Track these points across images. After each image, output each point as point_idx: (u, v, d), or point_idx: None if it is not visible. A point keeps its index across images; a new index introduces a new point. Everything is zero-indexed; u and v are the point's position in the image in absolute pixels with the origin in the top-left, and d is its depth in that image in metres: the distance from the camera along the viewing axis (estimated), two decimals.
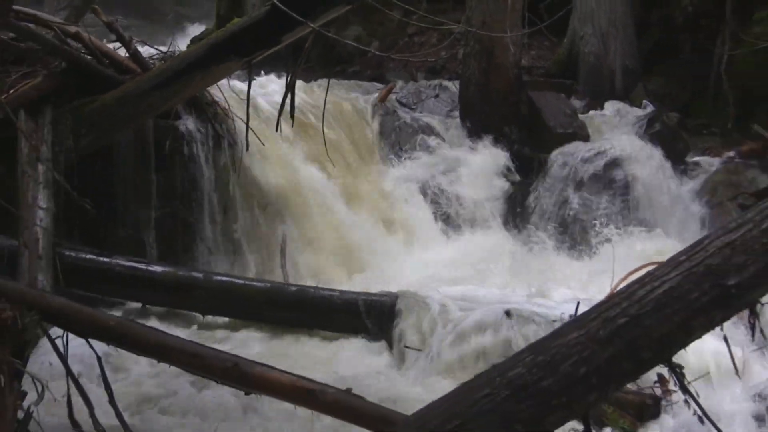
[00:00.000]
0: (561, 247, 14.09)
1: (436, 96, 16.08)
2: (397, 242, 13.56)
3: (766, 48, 15.27)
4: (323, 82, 14.28)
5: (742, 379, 9.73)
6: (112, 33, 11.81)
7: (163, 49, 13.23)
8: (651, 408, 9.33)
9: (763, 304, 4.98)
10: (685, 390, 5.11)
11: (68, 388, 7.56)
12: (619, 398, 8.97)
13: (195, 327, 10.79)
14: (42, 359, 7.43)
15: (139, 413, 8.74)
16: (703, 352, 9.00)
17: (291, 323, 10.90)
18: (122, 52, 11.54)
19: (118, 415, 7.61)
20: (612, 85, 16.63)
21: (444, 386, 8.61)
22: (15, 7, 9.91)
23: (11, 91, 10.47)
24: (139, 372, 9.14)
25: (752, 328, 10.17)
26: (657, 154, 14.80)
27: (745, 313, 5.10)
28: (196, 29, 22.68)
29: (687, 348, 4.79)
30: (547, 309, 10.44)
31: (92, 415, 7.56)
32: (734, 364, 9.66)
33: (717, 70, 16.23)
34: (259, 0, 14.43)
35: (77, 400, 7.41)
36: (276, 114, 10.80)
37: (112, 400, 7.72)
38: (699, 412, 5.37)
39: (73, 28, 11.38)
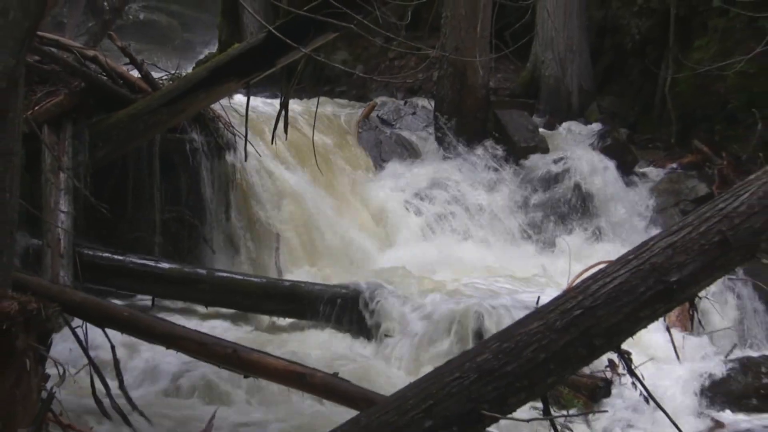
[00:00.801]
0: (527, 245, 14.11)
1: (414, 113, 16.09)
2: (381, 241, 13.56)
3: (705, 72, 15.32)
4: (313, 100, 14.26)
5: (681, 362, 9.77)
6: (126, 56, 11.82)
7: (171, 70, 13.24)
8: (602, 390, 9.36)
9: (701, 298, 4.98)
10: (632, 373, 5.11)
11: (91, 372, 7.57)
12: (574, 381, 8.98)
13: (198, 317, 10.77)
14: (62, 346, 7.40)
15: (150, 395, 8.74)
16: (649, 340, 9.02)
17: (285, 314, 10.91)
18: (135, 74, 11.52)
19: (128, 398, 7.67)
20: (569, 104, 16.66)
21: (419, 370, 8.62)
22: (39, 33, 9.90)
23: (36, 108, 10.47)
24: (152, 357, 9.10)
25: (691, 318, 10.22)
26: (609, 165, 14.85)
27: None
28: (200, 53, 22.65)
29: (634, 336, 4.79)
30: (513, 301, 10.47)
31: (109, 395, 7.58)
32: (675, 349, 9.73)
33: (661, 91, 16.27)
34: (256, 27, 14.41)
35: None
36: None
37: (122, 386, 7.74)
38: (644, 393, 5.37)
39: (91, 52, 11.39)
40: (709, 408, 9.33)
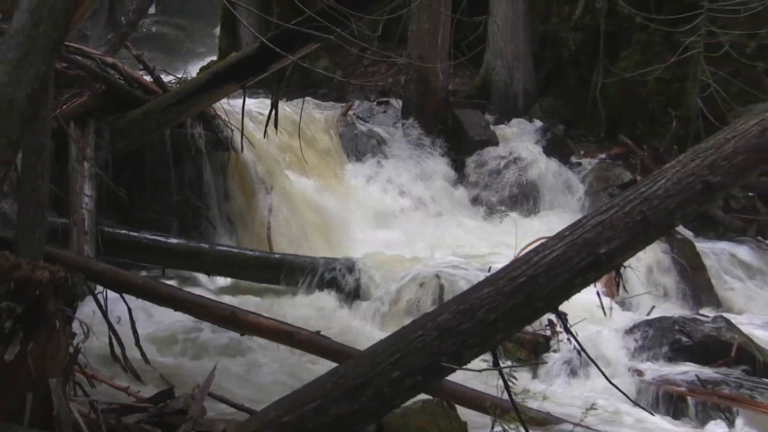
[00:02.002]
0: (481, 224, 14.14)
1: (385, 112, 16.04)
2: (358, 221, 13.54)
3: (629, 78, 15.40)
4: (299, 100, 14.21)
5: (609, 321, 9.79)
6: (140, 63, 11.78)
7: (179, 75, 13.18)
8: (543, 345, 9.43)
9: (625, 267, 4.99)
10: (567, 331, 5.11)
11: (110, 332, 7.56)
12: (519, 337, 9.03)
13: (202, 285, 10.76)
14: (86, 309, 7.38)
15: (162, 352, 8.73)
16: (582, 303, 9.05)
17: (275, 282, 10.88)
18: (147, 78, 11.48)
19: (142, 354, 7.65)
20: (516, 105, 16.64)
21: (389, 328, 8.62)
22: (66, 43, 9.85)
23: (64, 107, 10.43)
24: (164, 319, 9.09)
25: (617, 284, 10.23)
26: (549, 156, 14.89)
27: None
28: (203, 61, 22.52)
29: (570, 299, 4.80)
30: (468, 270, 10.50)
31: (123, 354, 7.57)
32: (603, 311, 9.73)
33: (593, 94, 16.29)
34: (251, 39, 14.34)
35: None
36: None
37: (137, 343, 7.72)
38: (578, 347, 5.38)
39: (110, 60, 11.33)
40: (632, 360, 9.37)
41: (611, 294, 10.38)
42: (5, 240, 7.03)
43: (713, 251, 12.68)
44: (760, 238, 13.41)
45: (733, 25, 14.19)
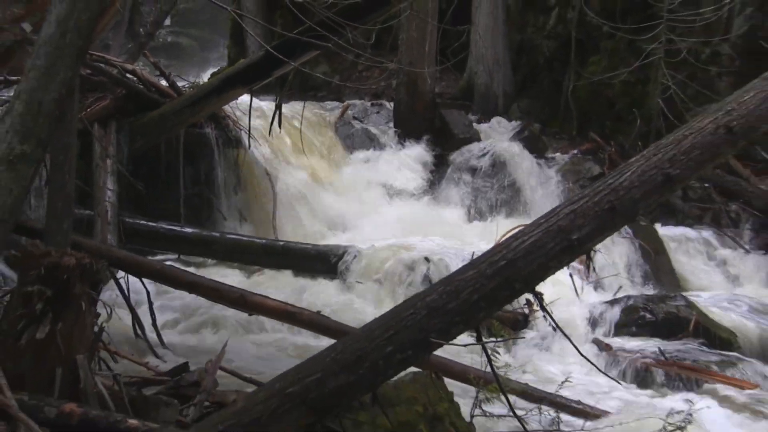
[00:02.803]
0: (465, 213, 14.15)
1: (378, 112, 16.04)
2: (354, 211, 13.54)
3: (598, 81, 15.40)
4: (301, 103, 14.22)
5: (581, 300, 9.81)
6: (157, 70, 11.79)
7: (192, 80, 13.18)
8: (521, 322, 9.44)
9: (595, 252, 4.99)
10: (544, 309, 5.11)
11: (132, 312, 7.57)
12: (500, 316, 8.99)
13: (214, 270, 10.75)
14: (109, 293, 7.37)
15: (179, 331, 8.74)
16: (556, 284, 9.05)
17: (280, 267, 10.88)
18: (164, 83, 11.47)
19: (158, 333, 7.67)
20: (496, 105, 16.62)
21: (383, 308, 8.63)
22: (90, 51, 9.84)
23: (88, 110, 10.46)
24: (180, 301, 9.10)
25: (587, 266, 10.25)
26: (526, 151, 14.88)
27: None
28: (214, 67, 22.48)
29: (545, 280, 4.79)
30: (454, 255, 10.51)
31: (143, 332, 7.58)
32: (576, 291, 9.75)
33: (565, 96, 16.27)
34: (257, 47, 14.32)
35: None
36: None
37: (154, 323, 7.74)
38: (553, 323, 5.38)
39: (130, 66, 11.34)
40: (601, 335, 9.41)
41: (583, 276, 10.40)
42: (36, 230, 7.04)
43: (674, 237, 12.71)
44: (715, 225, 13.45)
45: (690, 34, 14.29)
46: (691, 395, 8.05)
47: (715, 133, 4.76)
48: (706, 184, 13.81)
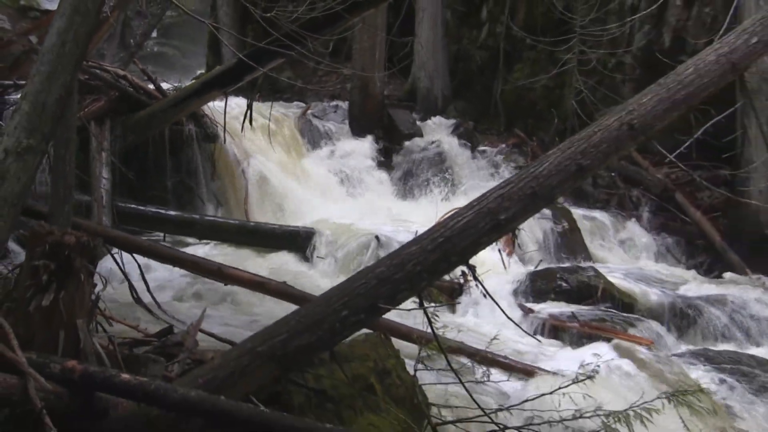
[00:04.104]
0: (408, 197, 14.19)
1: (335, 111, 15.97)
2: (313, 196, 13.52)
3: (522, 85, 15.51)
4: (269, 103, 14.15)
5: (507, 272, 9.89)
6: (145, 75, 11.65)
7: (175, 84, 13.07)
8: (457, 290, 9.46)
9: (520, 230, 5.03)
10: (476, 279, 5.14)
11: (128, 282, 7.51)
12: (439, 285, 9.07)
13: (194, 247, 10.71)
14: (105, 266, 7.32)
15: (164, 298, 8.69)
16: (487, 257, 9.13)
17: (251, 245, 10.85)
18: (151, 87, 11.36)
19: (153, 298, 7.60)
20: (436, 106, 16.62)
21: (339, 279, 8.64)
22: (87, 60, 9.76)
23: (86, 110, 10.32)
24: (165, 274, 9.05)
25: (513, 243, 10.30)
26: (461, 145, 14.95)
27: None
28: (194, 73, 22.28)
29: (478, 254, 4.83)
30: (400, 233, 10.54)
31: (137, 297, 7.52)
32: (504, 263, 9.82)
33: (495, 98, 16.34)
34: (231, 55, 14.22)
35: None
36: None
37: (148, 290, 7.67)
38: (484, 291, 5.42)
39: (122, 72, 11.21)
40: (525, 301, 9.49)
41: (509, 251, 10.48)
42: (42, 213, 6.97)
43: (585, 217, 12.84)
44: (619, 208, 13.63)
45: (599, 46, 14.43)
46: (598, 350, 8.18)
47: (619, 129, 4.82)
48: (612, 173, 13.95)
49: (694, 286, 10.76)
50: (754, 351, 9.11)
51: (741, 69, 5.04)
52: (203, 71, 20.06)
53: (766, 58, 9.93)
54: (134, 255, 7.69)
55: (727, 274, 11.68)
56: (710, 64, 4.96)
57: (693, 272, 12.01)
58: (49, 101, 4.61)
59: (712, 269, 12.19)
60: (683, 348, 9.05)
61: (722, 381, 8.07)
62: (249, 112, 10.87)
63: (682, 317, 9.52)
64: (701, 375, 8.09)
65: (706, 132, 8.34)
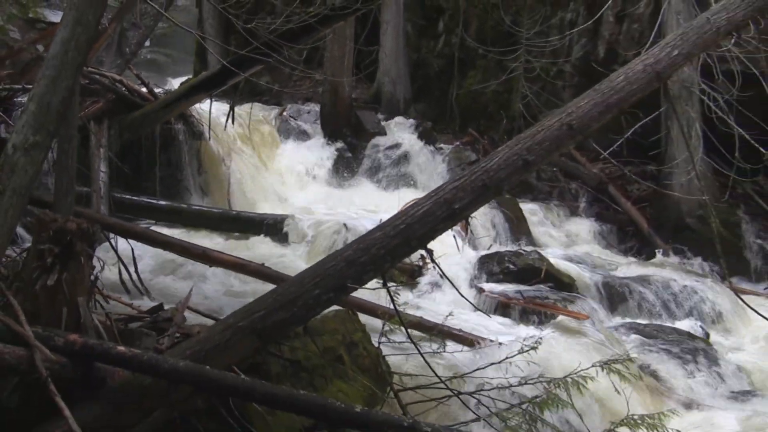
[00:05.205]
0: (375, 189, 14.21)
1: (308, 112, 15.89)
2: (288, 187, 13.52)
3: (474, 90, 15.57)
4: (249, 105, 14.09)
5: (461, 255, 9.94)
6: (139, 80, 11.58)
7: (166, 88, 13.01)
8: (417, 271, 9.49)
9: (472, 218, 5.07)
10: (434, 261, 5.18)
11: (119, 265, 7.48)
12: (400, 266, 9.10)
13: (182, 232, 10.65)
14: (102, 250, 7.28)
15: (156, 278, 8.66)
16: (444, 242, 9.17)
17: (233, 231, 10.83)
18: (144, 90, 11.29)
19: (140, 280, 7.58)
20: (398, 108, 16.60)
21: (312, 262, 8.64)
22: (87, 66, 9.69)
23: (86, 110, 10.26)
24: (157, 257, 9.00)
25: (466, 229, 10.34)
26: (421, 143, 14.97)
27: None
28: (183, 78, 22.10)
29: (435, 240, 4.86)
30: (366, 221, 10.56)
31: (130, 278, 7.50)
32: (458, 247, 9.86)
33: (450, 101, 16.37)
34: (215, 62, 14.12)
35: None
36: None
37: (136, 272, 7.65)
38: (441, 272, 5.47)
39: (118, 77, 11.16)
40: (477, 281, 9.54)
41: (463, 236, 10.53)
42: (46, 202, 6.92)
43: (530, 207, 12.92)
44: (560, 198, 13.73)
45: (542, 56, 14.54)
46: (541, 324, 8.28)
47: (560, 129, 4.87)
48: (554, 168, 14.05)
49: (625, 267, 10.89)
50: (676, 324, 9.27)
51: (664, 78, 5.10)
52: (191, 76, 19.92)
53: (685, 68, 10.10)
54: (129, 240, 7.66)
55: (654, 257, 11.83)
56: (638, 73, 5.02)
57: (624, 255, 12.18)
58: (53, 102, 4.59)
59: (640, 252, 12.34)
60: (615, 322, 9.18)
61: (649, 350, 8.22)
62: (232, 112, 10.87)
63: (614, 295, 9.63)
64: (630, 346, 8.23)
65: (635, 132, 8.41)
